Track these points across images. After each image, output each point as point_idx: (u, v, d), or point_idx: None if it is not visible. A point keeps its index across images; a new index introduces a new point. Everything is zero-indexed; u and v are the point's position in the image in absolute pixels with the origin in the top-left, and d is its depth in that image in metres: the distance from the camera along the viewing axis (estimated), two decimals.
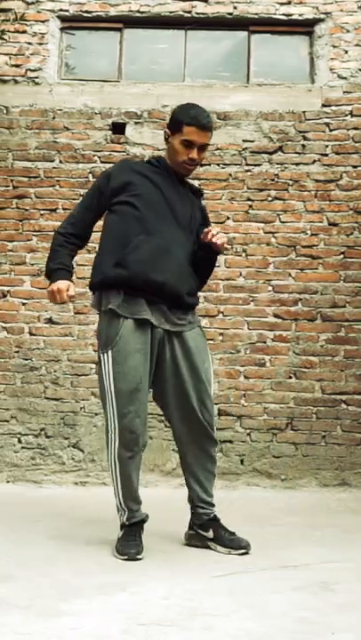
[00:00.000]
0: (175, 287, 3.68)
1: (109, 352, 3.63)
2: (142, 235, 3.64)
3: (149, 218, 3.68)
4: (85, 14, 6.32)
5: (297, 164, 6.10)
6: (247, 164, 6.10)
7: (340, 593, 3.01)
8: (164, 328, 3.71)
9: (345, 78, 6.16)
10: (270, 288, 5.95)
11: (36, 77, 6.22)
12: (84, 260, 5.47)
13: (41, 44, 6.26)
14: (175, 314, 3.74)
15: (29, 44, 6.25)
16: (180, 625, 2.57)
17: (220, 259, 5.92)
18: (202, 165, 6.05)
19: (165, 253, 3.65)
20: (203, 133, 3.70)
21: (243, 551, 3.67)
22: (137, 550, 3.57)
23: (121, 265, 3.62)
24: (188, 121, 3.69)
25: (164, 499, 5.17)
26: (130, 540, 3.64)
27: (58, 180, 6.09)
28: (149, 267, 3.60)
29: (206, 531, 3.82)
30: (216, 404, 5.79)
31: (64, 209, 5.99)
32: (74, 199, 5.99)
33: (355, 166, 6.06)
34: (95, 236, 3.87)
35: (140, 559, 3.52)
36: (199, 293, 4.02)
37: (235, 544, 3.71)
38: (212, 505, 3.88)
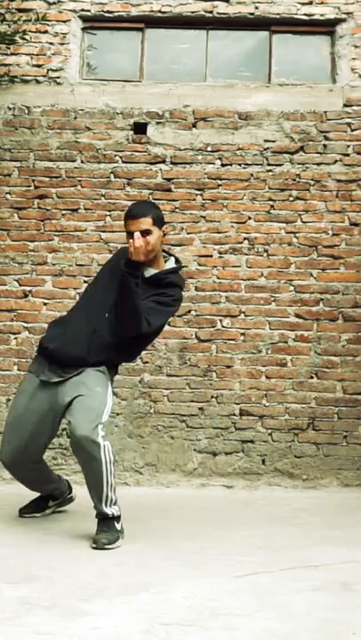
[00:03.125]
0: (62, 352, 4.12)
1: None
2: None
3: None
4: (107, 14, 6.32)
5: (318, 164, 6.08)
6: (269, 164, 6.08)
7: None
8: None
9: None
10: (292, 288, 5.94)
11: (58, 77, 6.23)
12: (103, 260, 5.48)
13: (62, 43, 6.28)
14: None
15: (51, 44, 6.27)
16: (202, 625, 2.57)
17: (242, 258, 5.94)
18: (223, 165, 6.06)
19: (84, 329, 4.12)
20: (134, 221, 4.07)
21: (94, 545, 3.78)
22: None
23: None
24: (125, 216, 4.19)
25: (186, 498, 5.18)
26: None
27: (79, 180, 6.10)
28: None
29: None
30: (237, 403, 5.81)
31: (85, 209, 6.01)
32: (95, 199, 6.02)
33: None
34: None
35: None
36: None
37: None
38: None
